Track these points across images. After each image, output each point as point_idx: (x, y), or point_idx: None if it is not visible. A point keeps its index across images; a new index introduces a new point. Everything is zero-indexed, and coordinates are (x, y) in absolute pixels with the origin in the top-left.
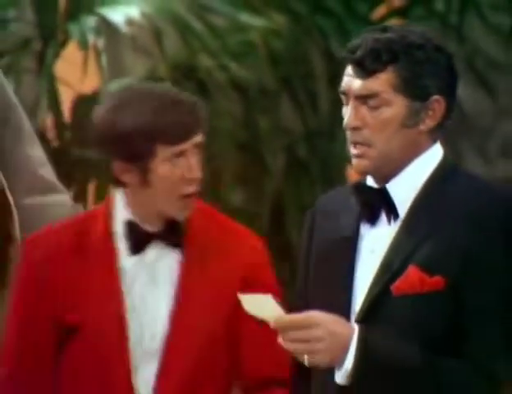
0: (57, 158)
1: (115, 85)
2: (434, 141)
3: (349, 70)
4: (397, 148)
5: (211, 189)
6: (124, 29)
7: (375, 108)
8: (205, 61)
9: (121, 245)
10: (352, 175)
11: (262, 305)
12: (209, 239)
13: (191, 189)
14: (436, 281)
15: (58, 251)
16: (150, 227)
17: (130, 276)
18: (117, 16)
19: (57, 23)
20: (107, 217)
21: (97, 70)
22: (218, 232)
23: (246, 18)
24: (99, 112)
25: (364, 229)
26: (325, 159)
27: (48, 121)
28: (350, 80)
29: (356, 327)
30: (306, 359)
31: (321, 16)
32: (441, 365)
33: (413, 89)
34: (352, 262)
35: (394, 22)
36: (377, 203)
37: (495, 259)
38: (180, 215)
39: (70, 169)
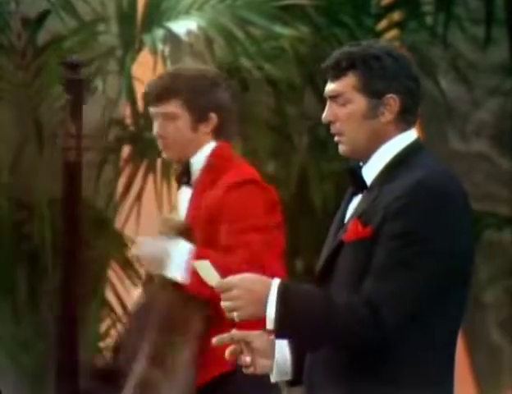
0: (133, 139)
1: None
2: (402, 130)
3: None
4: (363, 136)
5: (250, 162)
6: (184, 38)
7: (342, 105)
8: (245, 63)
9: None
10: None
11: (210, 270)
12: None
13: None
14: (367, 230)
15: None
16: None
17: None
18: (179, 28)
19: (134, 35)
20: None
21: (164, 70)
22: None
23: (278, 29)
24: None
25: (352, 200)
26: None
27: (127, 110)
28: (327, 85)
29: (274, 281)
30: (232, 315)
31: (336, 28)
32: (339, 307)
33: (370, 89)
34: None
35: (392, 34)
36: (358, 181)
37: (402, 222)
38: None
39: (143, 148)
